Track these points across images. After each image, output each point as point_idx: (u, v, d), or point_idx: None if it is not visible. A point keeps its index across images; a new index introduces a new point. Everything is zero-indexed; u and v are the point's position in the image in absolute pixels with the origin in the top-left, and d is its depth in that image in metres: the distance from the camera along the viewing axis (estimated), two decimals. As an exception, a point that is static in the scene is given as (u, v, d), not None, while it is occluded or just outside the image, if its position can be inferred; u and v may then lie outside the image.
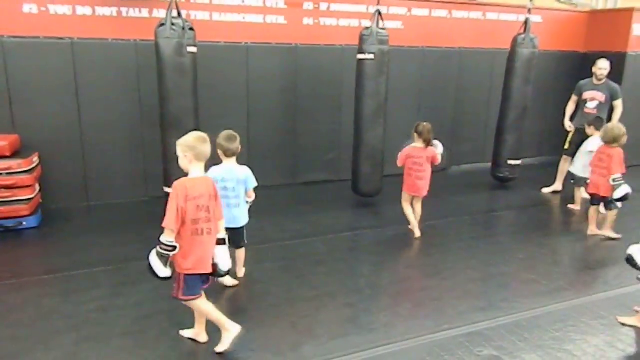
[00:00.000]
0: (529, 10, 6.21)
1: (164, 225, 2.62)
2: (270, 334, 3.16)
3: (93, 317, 3.26)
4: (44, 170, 5.27)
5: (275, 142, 6.47)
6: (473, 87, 7.49)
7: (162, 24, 4.63)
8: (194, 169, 2.75)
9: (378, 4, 5.49)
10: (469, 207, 5.95)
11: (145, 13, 5.54)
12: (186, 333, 3.05)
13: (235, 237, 3.59)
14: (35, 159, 5.08)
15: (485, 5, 7.37)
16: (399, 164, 4.89)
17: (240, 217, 3.67)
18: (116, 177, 5.75)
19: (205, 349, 2.95)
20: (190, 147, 2.71)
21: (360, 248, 4.72)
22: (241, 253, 3.87)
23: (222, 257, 2.84)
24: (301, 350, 2.98)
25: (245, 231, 3.76)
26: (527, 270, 4.23)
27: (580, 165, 5.62)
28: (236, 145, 3.53)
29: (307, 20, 6.32)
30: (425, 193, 4.93)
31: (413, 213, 4.95)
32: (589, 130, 5.66)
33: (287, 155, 6.57)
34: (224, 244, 2.89)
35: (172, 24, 4.60)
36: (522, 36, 6.32)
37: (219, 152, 3.49)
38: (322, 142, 6.70)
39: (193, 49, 4.78)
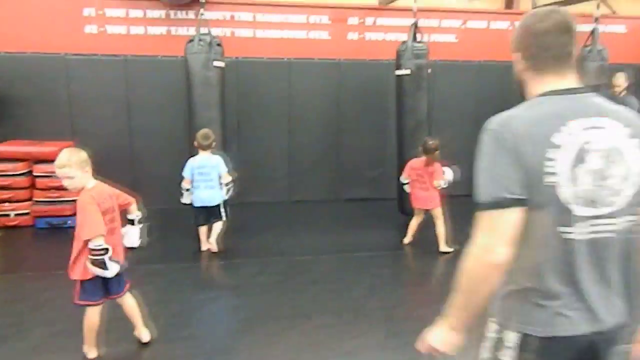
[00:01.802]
0: (596, 20, 5.53)
1: (92, 234, 2.63)
2: (221, 351, 3.09)
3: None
4: (96, 174, 5.74)
5: (317, 157, 6.43)
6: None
7: (191, 40, 4.87)
8: (91, 179, 2.80)
9: (415, 16, 5.26)
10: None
11: (192, 31, 5.85)
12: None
13: (211, 214, 4.58)
14: (85, 164, 5.57)
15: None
16: (403, 175, 4.86)
17: (214, 197, 4.53)
18: (162, 184, 6.09)
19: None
20: (86, 161, 2.76)
21: (374, 268, 4.43)
22: (217, 225, 4.61)
23: (131, 235, 2.99)
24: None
25: (221, 208, 4.58)
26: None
27: None
28: (209, 142, 4.47)
29: (351, 35, 6.25)
30: (432, 206, 4.67)
31: (436, 231, 4.67)
32: None
33: (329, 170, 6.49)
34: (133, 224, 3.02)
35: (200, 40, 4.82)
36: (588, 48, 5.65)
37: (196, 145, 4.49)
38: (366, 159, 6.52)
39: (220, 64, 4.95)
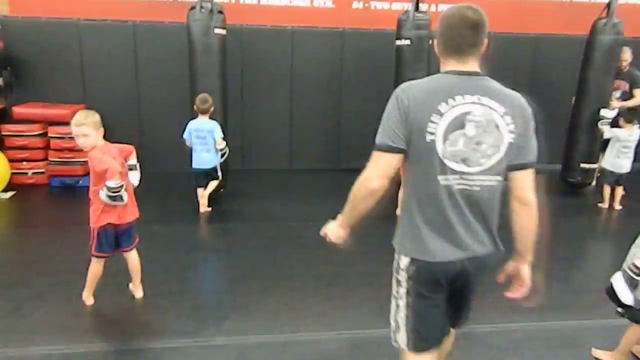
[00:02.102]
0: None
1: (111, 173, 2.90)
2: (204, 305, 3.35)
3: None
4: (106, 136, 6.01)
5: (319, 126, 6.56)
6: (551, 78, 6.73)
7: (193, 7, 4.97)
8: (101, 139, 3.06)
9: (417, -14, 5.24)
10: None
11: (197, -2, 5.96)
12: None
13: (207, 176, 4.87)
14: (96, 127, 5.83)
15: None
16: None
17: (211, 160, 4.81)
18: (166, 148, 6.33)
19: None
20: (99, 122, 3.05)
21: (363, 237, 4.58)
22: (212, 184, 4.91)
23: (133, 178, 3.24)
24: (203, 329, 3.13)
25: (217, 170, 4.87)
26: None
27: (610, 158, 5.42)
28: (206, 105, 4.71)
29: (356, 5, 6.24)
30: None
31: None
32: (620, 121, 5.39)
33: (331, 140, 6.62)
34: (134, 169, 3.27)
35: (201, 7, 4.92)
36: (603, 21, 5.53)
37: (195, 109, 4.74)
38: (367, 129, 6.56)
39: (221, 31, 5.05)
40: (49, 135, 5.60)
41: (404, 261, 1.84)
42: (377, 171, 1.74)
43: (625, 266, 2.62)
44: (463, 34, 1.72)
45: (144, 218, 4.44)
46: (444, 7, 6.24)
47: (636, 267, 2.56)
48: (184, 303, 3.33)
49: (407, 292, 1.85)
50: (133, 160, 3.31)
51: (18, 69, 5.76)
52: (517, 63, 6.63)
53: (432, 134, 1.68)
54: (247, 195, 5.66)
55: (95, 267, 3.18)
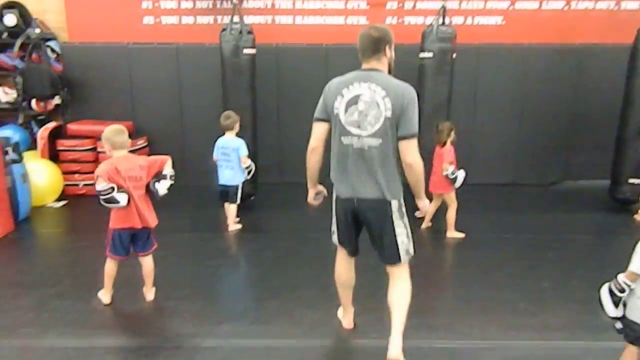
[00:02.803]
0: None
1: (95, 178, 3.20)
2: (207, 310, 3.50)
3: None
4: (152, 151, 6.44)
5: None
6: (598, 89, 6.36)
7: (224, 29, 5.26)
8: (115, 154, 3.28)
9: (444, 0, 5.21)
10: (541, 227, 5.20)
11: (235, 19, 6.27)
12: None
13: (228, 194, 4.90)
14: (141, 141, 6.27)
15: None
16: None
17: (233, 177, 4.86)
18: (207, 162, 6.63)
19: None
20: (106, 138, 3.28)
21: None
22: (232, 209, 4.93)
23: (161, 187, 3.40)
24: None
25: (238, 191, 4.88)
26: (530, 300, 3.60)
27: None
28: (228, 122, 4.83)
29: (389, 20, 6.29)
30: (439, 190, 4.79)
31: (447, 216, 4.82)
32: None
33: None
34: (165, 179, 3.45)
35: (232, 29, 5.19)
36: (645, 28, 5.20)
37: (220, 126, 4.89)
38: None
39: (250, 51, 5.28)
40: (98, 149, 6.08)
41: (334, 194, 2.81)
42: (314, 135, 2.74)
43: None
44: (366, 45, 2.63)
45: (174, 226, 4.77)
46: (471, 21, 6.24)
47: (618, 282, 2.40)
48: (189, 307, 3.48)
49: (335, 212, 2.85)
50: (167, 169, 3.51)
51: (74, 89, 6.34)
52: (559, 74, 6.35)
53: (337, 108, 2.62)
54: (275, 207, 5.81)
55: (110, 267, 3.44)
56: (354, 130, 2.57)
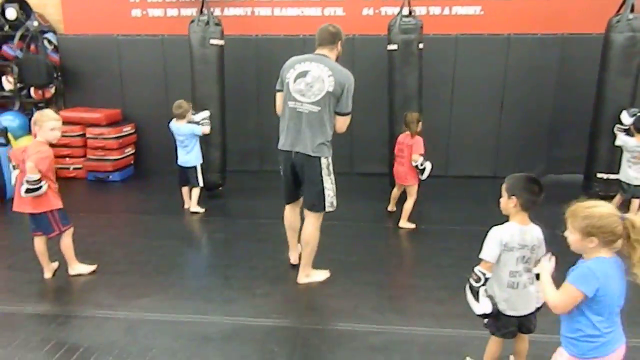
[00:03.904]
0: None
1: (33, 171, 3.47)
2: (158, 282, 3.76)
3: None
4: (140, 137, 6.79)
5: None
6: (582, 80, 6.13)
7: (193, 21, 5.46)
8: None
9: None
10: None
11: (217, 12, 6.47)
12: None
13: (188, 176, 5.20)
14: (127, 128, 6.61)
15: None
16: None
17: (189, 160, 5.16)
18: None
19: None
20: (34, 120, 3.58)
21: (343, 237, 4.61)
22: (194, 192, 5.22)
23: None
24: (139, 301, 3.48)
25: (197, 173, 5.16)
26: (446, 289, 3.60)
27: (623, 168, 4.92)
28: (179, 111, 5.09)
29: (366, 11, 6.31)
30: (405, 182, 4.78)
31: (403, 206, 4.83)
32: (631, 128, 4.86)
33: (342, 144, 6.67)
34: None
35: (199, 20, 5.38)
36: (617, 18, 5.01)
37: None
38: (378, 135, 6.58)
39: (218, 42, 5.46)
40: (87, 135, 6.46)
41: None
42: (277, 103, 3.54)
43: None
44: (324, 36, 3.49)
45: (139, 208, 5.07)
46: (436, 10, 6.16)
47: (475, 274, 2.43)
48: (119, 280, 3.75)
49: (279, 164, 3.57)
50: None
51: (68, 78, 6.75)
52: (541, 65, 6.19)
53: (288, 78, 3.39)
54: (248, 193, 6.00)
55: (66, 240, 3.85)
56: (298, 97, 3.32)
